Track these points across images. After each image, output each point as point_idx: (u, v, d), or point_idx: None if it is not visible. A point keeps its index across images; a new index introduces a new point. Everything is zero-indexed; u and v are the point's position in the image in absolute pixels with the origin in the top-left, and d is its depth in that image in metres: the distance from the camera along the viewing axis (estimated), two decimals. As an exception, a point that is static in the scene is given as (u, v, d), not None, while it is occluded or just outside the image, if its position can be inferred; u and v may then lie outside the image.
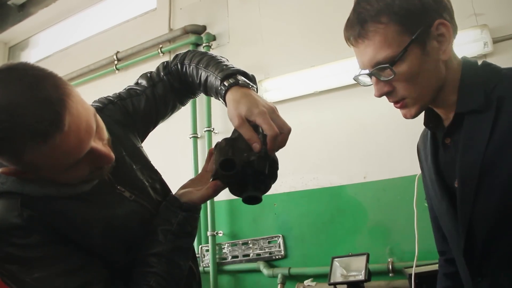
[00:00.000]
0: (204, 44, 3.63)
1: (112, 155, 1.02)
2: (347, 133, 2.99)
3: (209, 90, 1.27)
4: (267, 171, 1.08)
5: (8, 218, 0.97)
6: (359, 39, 1.11)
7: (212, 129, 3.48)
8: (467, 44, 2.55)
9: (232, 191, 1.12)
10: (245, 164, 1.05)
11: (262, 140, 1.07)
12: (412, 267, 2.33)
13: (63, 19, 4.87)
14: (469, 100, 1.09)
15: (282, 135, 1.12)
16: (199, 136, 3.56)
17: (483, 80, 1.09)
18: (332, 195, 2.95)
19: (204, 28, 3.74)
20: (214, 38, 3.66)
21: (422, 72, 1.08)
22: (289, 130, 1.15)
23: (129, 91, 1.35)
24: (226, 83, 1.16)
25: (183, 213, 1.15)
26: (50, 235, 1.00)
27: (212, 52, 3.50)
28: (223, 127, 3.46)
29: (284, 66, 3.21)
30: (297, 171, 3.09)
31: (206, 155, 1.33)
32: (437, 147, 1.24)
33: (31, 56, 5.20)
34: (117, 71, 4.13)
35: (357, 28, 1.11)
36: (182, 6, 3.94)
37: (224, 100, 1.16)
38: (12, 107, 0.86)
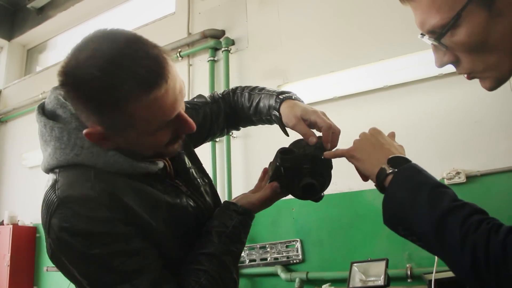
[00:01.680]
0: (223, 49, 3.67)
1: (194, 124, 1.06)
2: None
3: (259, 112, 1.40)
4: (323, 167, 1.18)
5: (81, 188, 0.99)
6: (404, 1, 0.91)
7: (231, 133, 3.50)
8: None
9: (289, 187, 1.19)
10: (303, 155, 1.18)
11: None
12: (431, 273, 2.33)
13: (81, 22, 4.94)
14: None
15: (333, 134, 1.26)
16: (217, 140, 3.59)
17: None
18: (350, 200, 2.96)
19: (223, 32, 3.77)
20: (233, 42, 3.70)
21: (492, 38, 0.83)
22: (339, 131, 1.28)
23: (190, 102, 1.45)
24: (281, 96, 1.32)
25: (239, 217, 1.18)
26: (117, 212, 0.99)
27: (231, 56, 3.60)
28: (242, 131, 3.48)
29: (303, 71, 3.23)
30: None
31: (261, 173, 1.37)
32: None
33: (48, 59, 5.27)
34: (52, 89, 4.14)
35: None
36: (201, 11, 3.97)
37: (278, 111, 1.30)
38: (120, 57, 0.91)
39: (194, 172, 1.28)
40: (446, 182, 2.68)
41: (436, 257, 2.36)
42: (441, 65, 0.90)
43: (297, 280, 2.97)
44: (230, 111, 1.49)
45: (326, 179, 1.20)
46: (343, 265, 2.73)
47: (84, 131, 0.99)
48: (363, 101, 3.02)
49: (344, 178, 3.04)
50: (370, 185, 2.98)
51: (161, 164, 1.13)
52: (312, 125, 1.27)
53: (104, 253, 0.97)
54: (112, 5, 4.67)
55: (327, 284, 2.81)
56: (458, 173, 2.69)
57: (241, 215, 1.19)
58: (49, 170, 1.06)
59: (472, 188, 2.67)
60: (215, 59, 3.77)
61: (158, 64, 0.94)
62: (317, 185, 1.15)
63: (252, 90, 1.44)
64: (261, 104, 1.38)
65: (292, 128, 1.27)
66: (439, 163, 2.76)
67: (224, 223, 1.17)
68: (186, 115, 1.05)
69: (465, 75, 0.91)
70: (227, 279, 1.13)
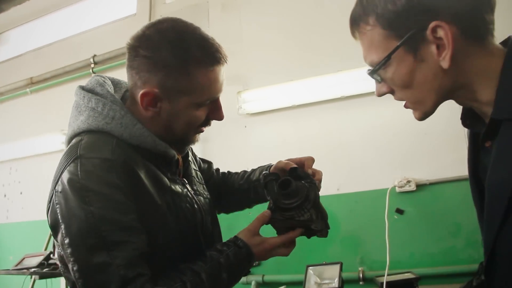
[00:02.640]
0: (183, 52, 3.67)
1: (223, 114, 1.25)
2: (322, 146, 3.09)
3: (248, 181, 1.67)
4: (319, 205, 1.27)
5: (100, 150, 1.07)
6: (355, 36, 1.04)
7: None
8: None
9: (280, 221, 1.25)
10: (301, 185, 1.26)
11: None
12: (383, 275, 2.45)
13: (37, 17, 4.82)
14: (507, 104, 0.91)
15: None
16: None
17: None
18: (306, 205, 3.03)
19: (184, 36, 3.78)
20: (194, 46, 3.70)
21: (417, 80, 0.96)
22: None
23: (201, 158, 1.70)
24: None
25: (235, 248, 1.19)
26: (126, 182, 1.05)
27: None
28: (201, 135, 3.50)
29: (263, 78, 3.29)
30: None
31: None
32: (477, 146, 1.08)
33: (0, 54, 5.11)
34: (93, 75, 4.12)
35: (351, 26, 1.04)
36: (163, 14, 3.97)
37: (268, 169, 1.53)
38: (192, 32, 1.15)
39: (197, 181, 1.37)
40: (397, 190, 2.82)
41: (387, 260, 2.51)
42: (379, 94, 1.06)
43: (253, 283, 3.02)
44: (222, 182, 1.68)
45: (322, 219, 1.31)
46: (298, 268, 2.80)
47: (141, 92, 1.12)
48: (320, 110, 3.11)
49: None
50: (326, 191, 3.08)
51: (176, 154, 1.23)
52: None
53: (97, 214, 1.01)
54: (70, 2, 4.59)
55: (283, 287, 2.88)
56: (408, 181, 2.82)
57: (238, 247, 1.20)
58: (76, 134, 1.14)
59: (422, 196, 2.81)
60: (176, 61, 3.76)
61: (221, 48, 1.16)
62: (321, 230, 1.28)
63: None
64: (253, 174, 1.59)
65: (281, 165, 1.46)
66: (391, 171, 2.88)
67: (221, 250, 1.19)
68: (221, 104, 1.23)
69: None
70: None
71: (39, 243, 3.92)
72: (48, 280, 3.74)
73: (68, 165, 1.05)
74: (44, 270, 3.26)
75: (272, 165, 1.50)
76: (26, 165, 4.46)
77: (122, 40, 4.20)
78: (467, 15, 0.92)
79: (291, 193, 1.21)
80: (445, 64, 0.93)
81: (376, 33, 0.97)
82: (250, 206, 1.62)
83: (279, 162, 1.47)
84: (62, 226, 1.03)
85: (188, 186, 1.30)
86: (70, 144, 1.13)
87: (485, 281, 1.07)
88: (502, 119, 0.92)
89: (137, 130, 1.14)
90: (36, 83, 4.49)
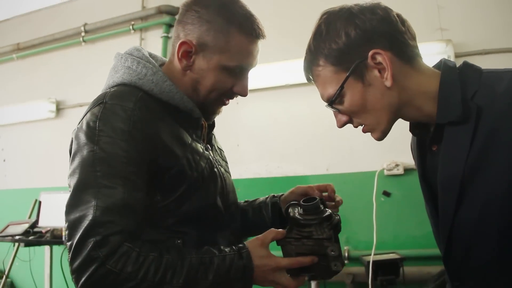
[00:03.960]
0: (177, 26, 3.64)
1: (248, 91, 1.27)
2: (313, 127, 3.12)
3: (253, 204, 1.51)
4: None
5: (126, 97, 1.11)
6: (310, 81, 1.20)
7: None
8: (432, 56, 2.74)
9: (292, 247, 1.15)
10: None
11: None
12: (367, 255, 2.51)
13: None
14: (448, 110, 1.08)
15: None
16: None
17: (462, 87, 1.08)
18: (295, 184, 3.03)
19: (179, 10, 3.73)
20: (188, 20, 3.66)
21: (369, 102, 1.10)
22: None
23: None
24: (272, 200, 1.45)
25: (236, 255, 1.09)
26: (140, 134, 1.07)
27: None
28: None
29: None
30: (262, 158, 3.21)
31: None
32: (424, 152, 1.23)
33: (-15, 17, 5.00)
34: (83, 43, 4.07)
35: (305, 73, 1.19)
36: (156, -14, 3.93)
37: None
38: (241, 5, 1.22)
39: (220, 157, 1.36)
40: (386, 172, 2.89)
41: (374, 241, 2.56)
42: (340, 125, 1.17)
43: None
44: None
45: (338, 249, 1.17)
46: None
47: (180, 41, 1.19)
48: (314, 91, 3.10)
49: (290, 163, 3.19)
50: (315, 171, 3.13)
51: (201, 116, 1.24)
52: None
53: (99, 153, 1.04)
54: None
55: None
56: (397, 165, 2.89)
57: (240, 255, 1.10)
58: (110, 87, 1.18)
59: (409, 180, 2.87)
60: (169, 35, 3.76)
61: (262, 26, 1.22)
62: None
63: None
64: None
65: (300, 191, 1.39)
66: (381, 154, 2.93)
67: (221, 250, 1.11)
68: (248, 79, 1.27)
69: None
70: (162, 283, 1.03)
71: (22, 211, 3.90)
72: (31, 248, 3.74)
73: (93, 108, 1.10)
74: (30, 238, 3.25)
75: (281, 195, 1.46)
76: (10, 132, 4.40)
77: (114, 10, 4.16)
78: (396, 42, 1.09)
79: (314, 209, 1.15)
80: (388, 83, 1.08)
81: (327, 70, 1.12)
82: (247, 230, 1.47)
83: (298, 187, 1.41)
84: (72, 161, 1.07)
85: (210, 152, 1.29)
86: (102, 92, 1.17)
87: (444, 265, 1.17)
88: (445, 123, 1.08)
89: (166, 86, 1.18)
90: (23, 49, 4.42)
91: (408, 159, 2.83)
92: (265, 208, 1.43)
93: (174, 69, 1.23)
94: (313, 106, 3.09)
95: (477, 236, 1.06)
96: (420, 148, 1.25)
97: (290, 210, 1.19)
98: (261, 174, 3.19)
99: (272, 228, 1.17)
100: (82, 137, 1.06)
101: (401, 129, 2.79)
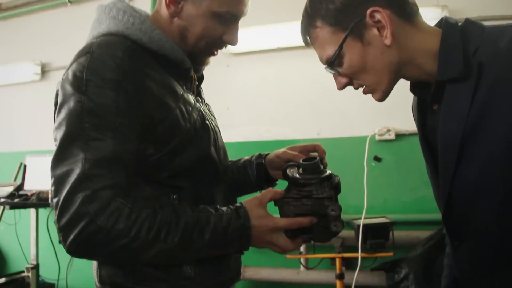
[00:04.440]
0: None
1: (237, 41, 1.21)
2: (305, 91, 3.08)
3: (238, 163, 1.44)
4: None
5: (114, 47, 1.04)
6: (308, 44, 1.17)
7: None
8: (427, 21, 2.68)
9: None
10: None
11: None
12: (358, 219, 2.50)
13: None
14: (448, 67, 1.05)
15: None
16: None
17: (464, 44, 1.05)
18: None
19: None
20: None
21: (369, 61, 1.09)
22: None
23: None
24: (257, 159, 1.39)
25: (234, 213, 1.05)
26: (131, 84, 1.02)
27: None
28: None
29: (249, 18, 3.17)
30: (252, 122, 3.17)
31: None
32: (425, 113, 1.20)
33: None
34: (69, 4, 3.95)
35: (303, 36, 1.17)
36: None
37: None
38: None
39: (210, 112, 1.30)
40: (377, 138, 2.87)
41: (365, 205, 2.56)
42: (340, 87, 1.16)
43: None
44: None
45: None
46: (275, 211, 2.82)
47: None
48: (306, 54, 2.98)
49: (280, 126, 3.15)
50: (305, 135, 3.10)
51: (191, 66, 1.18)
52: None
53: (86, 104, 0.98)
54: None
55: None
56: (388, 130, 2.87)
57: (237, 214, 1.05)
58: (95, 37, 1.11)
59: (401, 145, 2.87)
60: (158, -4, 3.63)
61: None
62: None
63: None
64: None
65: (281, 155, 1.32)
66: (372, 120, 2.92)
67: (218, 209, 1.07)
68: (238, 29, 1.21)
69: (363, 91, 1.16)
70: (155, 241, 0.99)
71: (7, 175, 3.85)
72: (17, 211, 3.70)
73: (79, 58, 1.03)
74: (15, 200, 3.20)
75: (266, 154, 1.39)
76: (-7, 95, 4.30)
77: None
78: None
79: (314, 168, 1.11)
80: (387, 41, 1.06)
81: (325, 32, 1.10)
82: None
83: (285, 153, 1.32)
84: (58, 112, 1.01)
85: (201, 104, 1.24)
86: (88, 41, 1.11)
87: (444, 224, 1.16)
88: (446, 79, 1.06)
89: (156, 35, 1.12)
90: (5, 10, 4.28)
91: (400, 125, 2.90)
92: (250, 167, 1.38)
93: (161, 18, 1.17)
94: (305, 70, 3.08)
95: (477, 195, 1.05)
96: (421, 108, 1.22)
97: (288, 170, 1.16)
98: (251, 138, 3.15)
99: (270, 188, 1.13)
100: (68, 88, 1.00)
101: (394, 95, 2.78)
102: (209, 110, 1.30)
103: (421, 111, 1.22)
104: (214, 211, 1.05)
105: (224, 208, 1.07)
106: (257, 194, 1.11)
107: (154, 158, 1.06)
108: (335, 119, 3.00)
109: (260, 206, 1.07)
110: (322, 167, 1.13)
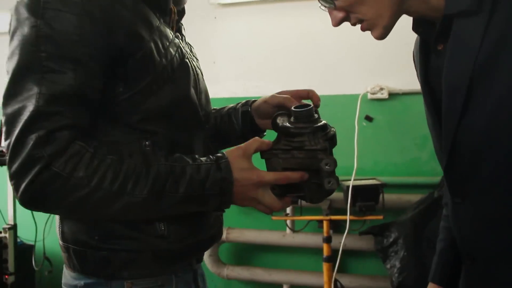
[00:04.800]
0: None
1: None
2: (296, 45, 2.95)
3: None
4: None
5: None
6: None
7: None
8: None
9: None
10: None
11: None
12: (347, 180, 2.40)
13: None
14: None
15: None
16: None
17: None
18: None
19: None
20: None
21: None
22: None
23: None
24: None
25: (214, 165, 0.93)
26: (99, 11, 0.87)
27: None
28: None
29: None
30: (239, 77, 3.05)
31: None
32: (427, 55, 1.10)
33: None
34: None
35: None
36: None
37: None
38: None
39: (191, 50, 1.16)
40: (369, 96, 2.77)
41: (355, 166, 2.46)
42: (336, 23, 1.02)
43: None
44: None
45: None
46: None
47: None
48: (296, 7, 2.93)
49: (268, 82, 3.00)
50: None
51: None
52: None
53: (43, 30, 0.84)
54: None
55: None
56: (381, 89, 2.77)
57: (217, 166, 0.93)
58: None
59: (394, 105, 2.78)
60: None
61: None
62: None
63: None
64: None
65: (269, 99, 1.14)
66: (365, 77, 2.81)
67: (195, 159, 0.95)
68: None
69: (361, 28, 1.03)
70: (121, 193, 0.87)
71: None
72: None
73: None
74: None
75: (253, 102, 1.23)
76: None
77: None
78: None
79: (308, 116, 0.97)
80: None
81: None
82: (214, 140, 1.27)
83: (273, 97, 1.15)
84: (11, 45, 0.88)
85: (181, 41, 1.08)
86: None
87: (445, 179, 1.08)
88: (455, 12, 0.95)
89: None
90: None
91: (394, 83, 2.79)
92: (234, 115, 1.23)
93: None
94: (296, 23, 2.96)
95: (485, 144, 0.96)
96: (424, 50, 1.11)
97: (278, 119, 1.02)
98: (238, 93, 3.02)
99: (257, 137, 1.00)
100: (23, 11, 0.85)
101: (387, 51, 2.68)
102: (191, 51, 1.15)
103: (424, 54, 1.11)
104: (192, 161, 0.93)
105: (203, 159, 0.94)
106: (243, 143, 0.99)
107: (123, 97, 0.93)
108: (326, 76, 2.87)
109: (244, 157, 0.95)
110: (316, 116, 0.99)
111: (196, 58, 1.18)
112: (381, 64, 2.79)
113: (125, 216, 0.92)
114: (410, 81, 2.62)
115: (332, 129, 1.00)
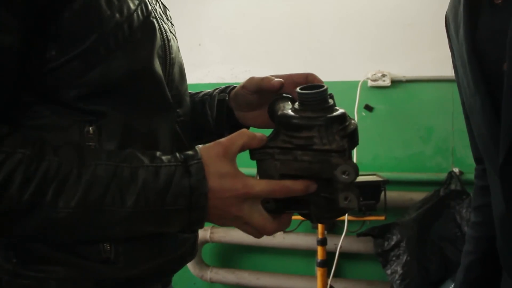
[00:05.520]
0: None
1: None
2: (289, 26, 2.75)
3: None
4: None
5: None
6: None
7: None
8: None
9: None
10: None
11: None
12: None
13: None
14: None
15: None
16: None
17: None
18: (264, 93, 2.72)
19: None
20: None
21: None
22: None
23: None
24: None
25: (180, 168, 0.66)
26: None
27: None
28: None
29: None
30: (227, 60, 2.85)
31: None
32: (476, 13, 0.89)
33: None
34: None
35: None
36: None
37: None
38: None
39: (164, 11, 0.89)
40: (370, 83, 2.59)
41: (355, 159, 2.23)
42: None
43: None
44: None
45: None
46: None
47: None
48: None
49: (259, 66, 2.76)
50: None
51: None
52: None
53: None
54: None
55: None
56: (383, 75, 2.57)
57: (187, 171, 0.66)
58: None
59: (396, 93, 2.60)
60: None
61: None
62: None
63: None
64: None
65: (247, 84, 0.87)
66: (365, 62, 2.63)
67: (154, 156, 0.67)
68: None
69: None
70: (36, 204, 0.60)
71: None
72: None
73: None
74: None
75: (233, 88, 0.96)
76: None
77: None
78: None
79: (320, 101, 0.69)
80: None
81: None
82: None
83: (251, 79, 0.87)
84: None
85: None
86: None
87: (500, 180, 0.87)
88: None
89: None
90: None
91: (397, 70, 2.58)
92: (209, 104, 0.95)
93: None
94: (288, 1, 2.74)
95: None
96: (471, 6, 0.89)
97: (277, 105, 0.76)
98: (225, 78, 2.81)
99: (245, 129, 0.71)
100: None
101: (391, 34, 2.46)
102: (165, 12, 0.89)
103: (471, 11, 0.88)
104: (148, 161, 0.65)
105: (166, 157, 0.66)
106: (224, 138, 0.70)
107: (56, 64, 0.67)
108: (323, 60, 2.67)
109: (225, 158, 0.67)
110: (331, 102, 0.71)
111: (171, 23, 0.91)
112: (383, 48, 2.60)
113: (44, 237, 0.66)
114: (413, 67, 2.57)
115: (353, 121, 0.71)
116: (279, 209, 0.70)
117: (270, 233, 0.70)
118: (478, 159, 1.13)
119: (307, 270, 2.62)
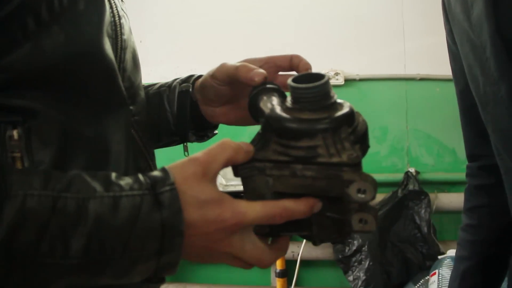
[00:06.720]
0: None
1: None
2: (238, 21, 2.67)
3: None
4: None
5: None
6: None
7: None
8: None
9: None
10: None
11: None
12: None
13: None
14: None
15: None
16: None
17: None
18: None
19: None
20: None
21: None
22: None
23: None
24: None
25: (147, 197, 0.48)
26: None
27: None
28: None
29: None
30: (171, 59, 2.74)
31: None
32: None
33: None
34: None
35: None
36: None
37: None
38: None
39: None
40: None
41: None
42: None
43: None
44: None
45: None
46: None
47: None
48: None
49: (206, 64, 2.58)
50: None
51: None
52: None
53: None
54: None
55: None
56: (337, 74, 2.54)
57: (154, 199, 0.49)
58: None
59: (349, 92, 2.56)
60: None
61: None
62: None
63: None
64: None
65: (217, 72, 0.72)
66: (318, 61, 2.43)
67: (111, 182, 0.49)
68: None
69: None
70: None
71: None
72: None
73: None
74: None
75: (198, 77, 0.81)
76: None
77: None
78: None
79: (322, 94, 0.55)
80: None
81: None
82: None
83: (223, 66, 0.73)
84: None
85: None
86: None
87: None
88: None
89: None
90: None
91: (350, 68, 2.53)
92: (168, 97, 0.80)
93: None
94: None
95: None
96: None
97: (261, 101, 0.60)
98: (169, 78, 2.56)
99: (227, 139, 0.54)
100: None
101: (344, 32, 2.33)
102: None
103: None
104: (101, 187, 0.47)
105: (125, 182, 0.49)
106: (199, 152, 0.53)
107: None
108: None
109: (205, 179, 0.51)
110: (334, 96, 0.57)
111: (122, 0, 0.74)
112: (337, 47, 2.56)
113: None
114: (367, 66, 2.53)
115: (361, 118, 0.58)
116: (275, 232, 0.56)
117: (267, 265, 0.55)
118: (471, 156, 1.07)
119: (263, 281, 2.51)
